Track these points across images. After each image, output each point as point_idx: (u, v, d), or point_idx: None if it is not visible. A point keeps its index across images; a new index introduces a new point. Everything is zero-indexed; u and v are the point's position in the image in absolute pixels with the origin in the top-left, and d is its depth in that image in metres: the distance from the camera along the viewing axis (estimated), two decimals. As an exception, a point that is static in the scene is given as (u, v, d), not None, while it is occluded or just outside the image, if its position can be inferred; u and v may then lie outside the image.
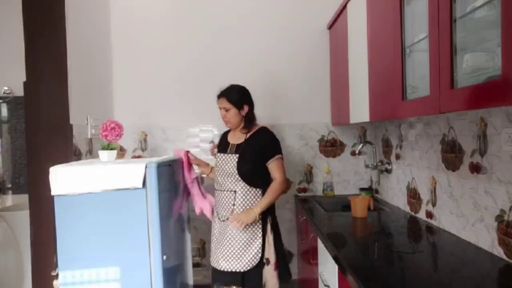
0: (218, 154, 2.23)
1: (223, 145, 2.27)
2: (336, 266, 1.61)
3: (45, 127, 2.16)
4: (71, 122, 2.24)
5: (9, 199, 3.29)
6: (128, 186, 1.73)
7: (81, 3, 2.50)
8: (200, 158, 2.41)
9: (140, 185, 1.73)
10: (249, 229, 2.06)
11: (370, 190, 2.89)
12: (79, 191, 1.72)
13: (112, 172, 1.73)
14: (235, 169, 2.08)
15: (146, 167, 1.75)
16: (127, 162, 1.84)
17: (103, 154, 1.95)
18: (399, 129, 2.44)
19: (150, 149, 3.07)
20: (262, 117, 3.07)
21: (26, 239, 2.31)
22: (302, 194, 3.10)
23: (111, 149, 1.98)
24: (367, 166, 2.94)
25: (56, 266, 1.81)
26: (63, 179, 1.71)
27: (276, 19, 3.07)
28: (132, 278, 1.75)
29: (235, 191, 2.09)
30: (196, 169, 2.37)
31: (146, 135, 3.07)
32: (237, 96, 2.19)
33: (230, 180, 2.11)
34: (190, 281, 2.38)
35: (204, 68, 3.06)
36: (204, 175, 2.42)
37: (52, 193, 1.72)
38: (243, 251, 2.05)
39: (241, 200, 2.08)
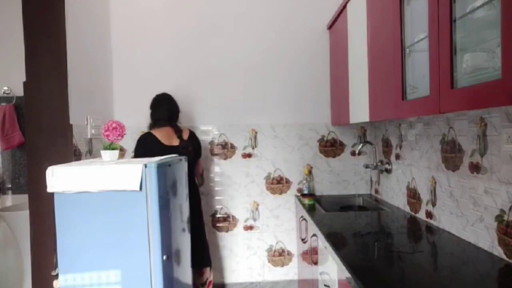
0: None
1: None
2: (336, 266, 1.61)
3: (45, 127, 2.16)
4: (71, 122, 2.24)
5: (9, 199, 3.30)
6: (125, 188, 1.71)
7: (81, 4, 2.50)
8: None
9: (138, 188, 1.71)
10: None
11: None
12: (75, 189, 1.71)
13: (109, 173, 1.71)
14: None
15: (145, 167, 1.74)
16: (125, 163, 1.81)
17: (105, 154, 1.95)
18: (399, 129, 2.44)
19: (150, 149, 3.07)
20: (262, 117, 3.09)
21: (26, 239, 2.31)
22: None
23: (113, 149, 1.98)
24: (367, 166, 2.94)
25: (56, 266, 1.81)
26: (59, 177, 1.70)
27: (276, 19, 3.07)
28: (132, 279, 1.75)
29: None
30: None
31: (146, 135, 3.06)
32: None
33: None
34: (190, 281, 2.38)
35: (204, 68, 3.06)
36: None
37: (48, 190, 1.72)
38: None
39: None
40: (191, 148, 2.49)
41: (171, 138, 2.48)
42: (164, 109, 2.56)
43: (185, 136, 2.55)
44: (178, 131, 2.50)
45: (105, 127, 1.99)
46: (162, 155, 2.24)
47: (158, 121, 2.54)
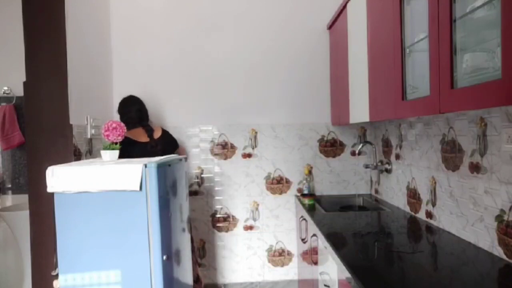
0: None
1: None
2: (336, 266, 1.61)
3: (45, 127, 2.16)
4: (71, 122, 2.24)
5: (9, 199, 3.29)
6: (125, 188, 1.71)
7: (81, 4, 2.50)
8: None
9: (138, 188, 1.71)
10: None
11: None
12: (75, 189, 1.71)
13: (109, 173, 1.71)
14: None
15: (145, 167, 1.74)
16: (125, 163, 1.81)
17: (105, 154, 1.95)
18: (399, 129, 2.44)
19: (150, 149, 3.07)
20: (262, 117, 3.09)
21: (26, 239, 2.31)
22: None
23: (113, 149, 1.98)
24: (367, 166, 2.94)
25: (56, 266, 1.81)
26: (59, 177, 1.71)
27: (276, 19, 3.07)
28: (132, 279, 1.75)
29: None
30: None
31: (146, 135, 3.06)
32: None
33: None
34: (190, 281, 2.38)
35: (204, 68, 3.06)
36: None
37: (48, 190, 1.72)
38: None
39: None
40: (160, 148, 2.50)
41: (144, 136, 2.53)
42: (133, 111, 2.60)
43: (156, 135, 2.57)
44: (149, 131, 2.54)
45: (105, 127, 2.00)
46: (140, 152, 2.36)
47: (128, 124, 2.53)
